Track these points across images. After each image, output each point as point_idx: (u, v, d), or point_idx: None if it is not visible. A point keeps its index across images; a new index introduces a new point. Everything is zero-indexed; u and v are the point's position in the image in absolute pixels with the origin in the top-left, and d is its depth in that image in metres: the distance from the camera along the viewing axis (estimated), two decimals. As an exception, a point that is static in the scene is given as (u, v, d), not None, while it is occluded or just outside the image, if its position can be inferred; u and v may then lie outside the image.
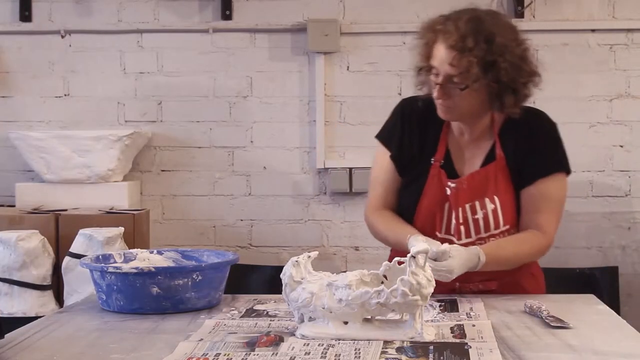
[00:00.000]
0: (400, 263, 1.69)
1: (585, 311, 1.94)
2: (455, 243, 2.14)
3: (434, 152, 2.23)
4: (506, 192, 2.17)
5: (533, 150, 2.18)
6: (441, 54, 2.07)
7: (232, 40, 3.92)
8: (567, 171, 2.23)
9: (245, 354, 1.54)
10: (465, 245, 2.12)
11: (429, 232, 2.18)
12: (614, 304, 3.34)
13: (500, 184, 2.17)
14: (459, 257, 1.98)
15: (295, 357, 1.52)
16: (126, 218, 3.42)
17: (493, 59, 2.05)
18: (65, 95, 3.98)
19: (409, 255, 1.62)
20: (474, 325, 1.75)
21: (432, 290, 1.64)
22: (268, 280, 3.59)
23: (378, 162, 2.33)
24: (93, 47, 3.95)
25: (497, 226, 2.16)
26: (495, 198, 2.16)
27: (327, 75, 3.86)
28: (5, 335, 1.69)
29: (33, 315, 3.06)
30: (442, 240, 2.15)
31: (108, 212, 3.49)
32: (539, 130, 2.21)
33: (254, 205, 3.95)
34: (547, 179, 2.18)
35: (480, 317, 1.85)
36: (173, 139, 3.95)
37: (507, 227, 2.17)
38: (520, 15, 3.80)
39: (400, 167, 2.28)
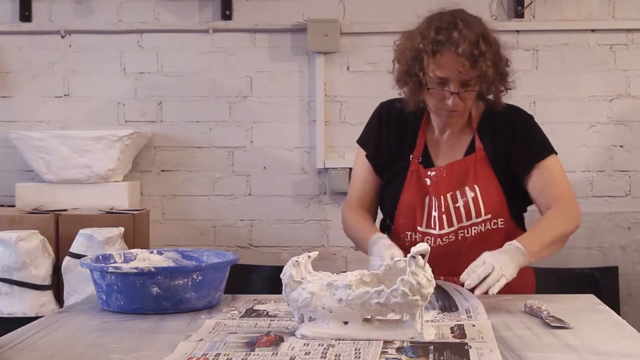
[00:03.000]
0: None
1: (585, 311, 1.94)
2: (434, 234, 2.21)
3: (413, 149, 2.29)
4: (487, 181, 2.22)
5: (518, 140, 2.24)
6: (454, 63, 2.09)
7: (232, 40, 3.92)
8: (556, 152, 2.29)
9: (245, 354, 1.54)
10: (447, 235, 2.20)
11: (410, 227, 2.26)
12: (614, 304, 3.34)
13: (481, 174, 2.22)
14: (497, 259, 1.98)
15: (295, 357, 1.52)
16: (126, 218, 3.41)
17: (495, 58, 2.12)
18: (65, 95, 3.98)
19: (409, 255, 1.62)
20: (474, 325, 1.75)
21: (432, 290, 1.64)
22: (268, 280, 3.59)
23: (358, 163, 2.40)
24: (93, 47, 3.95)
25: (478, 214, 2.21)
26: (476, 187, 2.22)
27: (327, 75, 3.86)
28: (6, 335, 1.69)
29: (33, 315, 3.07)
30: (423, 234, 2.24)
31: (108, 212, 3.49)
32: (517, 121, 2.27)
33: (254, 205, 3.95)
34: (543, 162, 2.24)
35: (480, 317, 1.85)
36: (173, 139, 3.95)
37: (489, 216, 2.22)
38: (520, 15, 3.80)
39: (378, 167, 2.35)
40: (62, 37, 3.96)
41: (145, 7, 3.93)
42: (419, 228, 2.25)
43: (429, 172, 2.24)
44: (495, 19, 3.84)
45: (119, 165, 3.70)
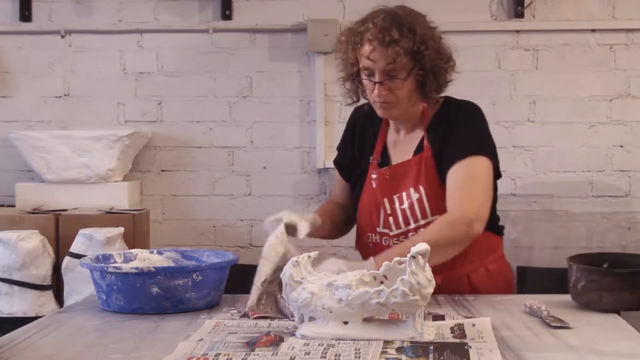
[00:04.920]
0: (400, 263, 1.69)
1: (585, 311, 1.94)
2: (390, 235, 2.20)
3: (373, 151, 2.29)
4: (432, 182, 2.17)
5: (451, 136, 2.17)
6: (369, 52, 2.11)
7: (232, 40, 3.92)
8: (487, 155, 2.16)
9: (245, 354, 1.54)
10: (398, 236, 2.18)
11: (370, 228, 2.26)
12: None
13: (426, 175, 2.17)
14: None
15: (295, 357, 1.52)
16: (126, 218, 3.41)
17: (417, 48, 2.10)
18: (65, 95, 3.98)
19: (409, 255, 1.62)
20: (474, 325, 1.75)
21: (432, 290, 1.64)
22: (268, 280, 3.59)
23: (337, 177, 2.48)
24: (93, 47, 3.95)
25: (424, 216, 2.16)
26: (421, 188, 2.17)
27: (327, 75, 3.85)
28: (6, 335, 1.69)
29: (33, 315, 3.07)
30: (381, 235, 2.23)
31: (108, 212, 3.49)
32: (458, 118, 2.21)
33: (254, 205, 3.95)
34: (463, 162, 2.12)
35: (480, 316, 1.85)
36: (173, 139, 3.95)
37: (437, 217, 2.15)
38: (520, 15, 3.80)
39: (343, 171, 2.40)
40: (62, 37, 3.96)
41: (145, 7, 3.93)
42: (377, 229, 2.24)
43: (372, 175, 2.24)
44: (495, 19, 3.84)
45: (119, 165, 3.70)
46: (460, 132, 2.17)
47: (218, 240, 3.95)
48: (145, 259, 2.15)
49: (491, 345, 1.58)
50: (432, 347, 1.57)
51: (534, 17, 3.84)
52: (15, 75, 3.98)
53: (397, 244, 2.19)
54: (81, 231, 3.24)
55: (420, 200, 2.17)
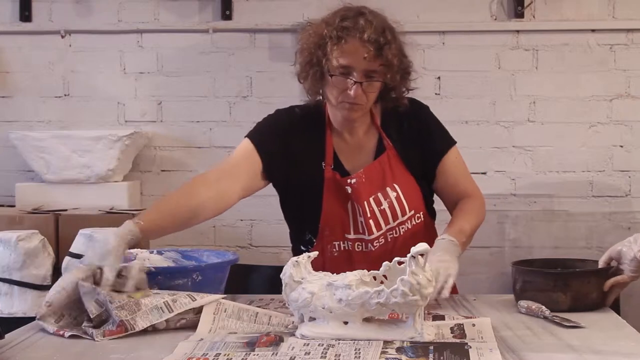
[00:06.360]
0: (400, 263, 1.69)
1: (586, 311, 1.94)
2: (365, 240, 2.18)
3: (323, 156, 2.22)
4: (404, 178, 2.21)
5: (425, 135, 2.24)
6: (358, 49, 2.04)
7: (232, 40, 3.92)
8: (455, 142, 2.32)
9: (245, 354, 1.54)
10: (377, 239, 2.17)
11: (338, 236, 2.21)
12: (614, 304, 3.34)
13: (397, 172, 2.21)
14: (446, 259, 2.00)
15: (295, 357, 1.52)
16: (126, 218, 3.38)
17: (399, 51, 2.11)
18: (65, 95, 3.98)
19: (409, 255, 1.62)
20: (474, 325, 1.75)
21: (432, 290, 1.64)
22: (268, 280, 3.59)
23: (241, 152, 2.32)
24: (93, 47, 3.95)
25: (403, 212, 2.20)
26: (396, 186, 2.19)
27: (327, 75, 3.85)
28: (6, 335, 1.69)
29: (33, 315, 3.05)
30: (354, 241, 2.20)
31: (108, 212, 3.49)
32: (420, 116, 2.27)
33: (254, 205, 3.93)
34: (448, 155, 2.27)
35: (480, 316, 1.85)
36: (173, 139, 3.95)
37: (413, 212, 2.21)
38: (520, 15, 3.80)
39: (270, 171, 2.25)
40: (62, 37, 3.96)
41: (145, 7, 3.93)
42: (347, 236, 2.20)
43: (349, 180, 2.18)
44: (495, 19, 3.84)
45: (119, 165, 3.70)
46: (432, 128, 2.27)
47: (218, 240, 3.95)
48: (145, 259, 2.15)
49: (491, 345, 1.58)
50: (432, 347, 1.57)
51: (534, 17, 3.84)
52: (15, 75, 3.98)
53: (376, 247, 2.18)
54: (81, 231, 3.23)
55: (398, 197, 2.19)
